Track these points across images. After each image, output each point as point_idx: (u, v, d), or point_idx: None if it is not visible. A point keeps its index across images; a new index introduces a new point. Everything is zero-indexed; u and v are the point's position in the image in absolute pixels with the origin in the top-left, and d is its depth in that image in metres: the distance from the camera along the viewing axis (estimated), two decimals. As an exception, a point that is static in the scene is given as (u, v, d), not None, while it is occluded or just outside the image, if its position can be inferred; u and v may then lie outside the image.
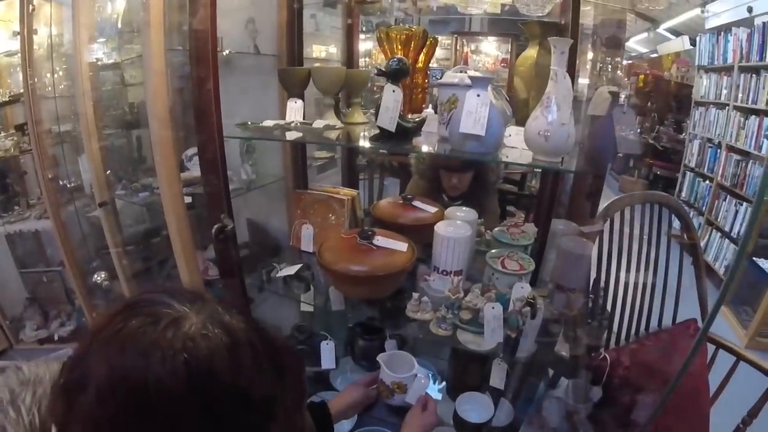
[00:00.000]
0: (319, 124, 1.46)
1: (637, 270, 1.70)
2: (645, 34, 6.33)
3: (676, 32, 6.87)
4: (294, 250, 1.85)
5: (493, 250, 1.54)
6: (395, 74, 1.22)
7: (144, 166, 2.48)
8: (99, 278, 2.48)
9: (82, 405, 0.49)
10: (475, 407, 1.54)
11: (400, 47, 1.44)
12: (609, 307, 1.71)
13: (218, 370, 0.51)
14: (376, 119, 1.25)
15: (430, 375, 1.79)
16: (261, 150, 1.87)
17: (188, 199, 1.64)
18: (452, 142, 1.19)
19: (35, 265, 2.94)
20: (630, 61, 6.51)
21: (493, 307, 1.33)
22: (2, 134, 2.90)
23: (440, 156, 1.85)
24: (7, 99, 2.92)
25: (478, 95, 1.12)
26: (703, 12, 5.68)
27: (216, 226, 1.38)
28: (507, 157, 1.25)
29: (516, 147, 1.28)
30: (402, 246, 1.47)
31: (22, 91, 2.58)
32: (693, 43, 6.19)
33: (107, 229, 2.21)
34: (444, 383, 1.81)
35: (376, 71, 1.24)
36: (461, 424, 1.50)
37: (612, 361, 1.51)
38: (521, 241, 1.61)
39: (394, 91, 1.21)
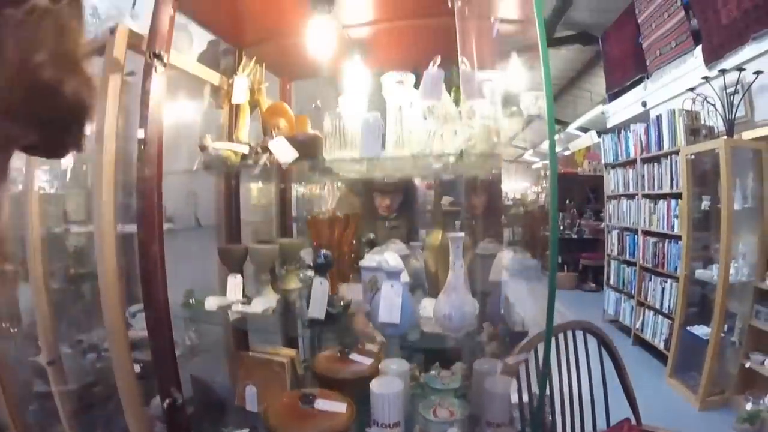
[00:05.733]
0: (257, 305, 1.60)
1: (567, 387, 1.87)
2: (556, 136, 7.04)
3: (584, 129, 7.70)
4: (240, 410, 1.92)
5: (427, 399, 1.69)
6: (321, 268, 1.41)
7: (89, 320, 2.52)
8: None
9: None
10: None
11: (326, 228, 1.66)
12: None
13: None
14: (308, 306, 1.43)
15: None
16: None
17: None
18: (374, 324, 1.37)
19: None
20: (545, 162, 7.21)
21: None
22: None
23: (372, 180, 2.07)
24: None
25: (392, 285, 1.32)
26: (603, 114, 6.39)
27: (167, 401, 1.47)
28: (424, 330, 1.43)
29: (431, 317, 1.47)
30: (341, 407, 1.59)
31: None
32: (600, 134, 6.93)
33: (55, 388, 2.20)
34: None
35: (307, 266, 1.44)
36: None
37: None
38: (451, 384, 1.77)
39: (321, 283, 1.39)
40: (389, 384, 1.62)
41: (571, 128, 7.00)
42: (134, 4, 2.96)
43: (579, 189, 6.66)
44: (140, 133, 1.64)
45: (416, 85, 1.42)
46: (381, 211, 2.23)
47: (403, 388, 1.65)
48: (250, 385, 1.88)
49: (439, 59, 1.26)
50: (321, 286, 1.40)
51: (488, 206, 1.73)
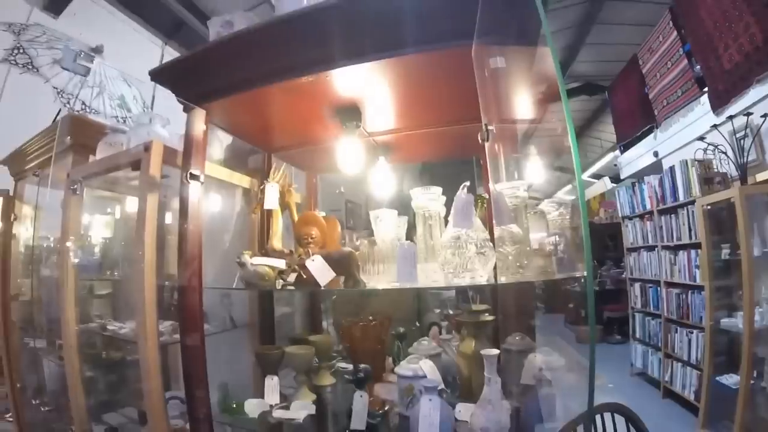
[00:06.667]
0: (298, 411, 1.64)
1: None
2: (569, 186, 7.12)
3: (597, 176, 7.75)
4: None
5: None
6: (360, 382, 1.47)
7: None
8: None
9: None
10: None
11: (359, 333, 1.73)
12: None
13: None
14: (349, 417, 1.47)
15: None
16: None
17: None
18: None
19: None
20: (560, 210, 7.24)
21: None
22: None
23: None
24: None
25: (430, 400, 1.37)
26: (615, 165, 6.42)
27: None
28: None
29: (466, 421, 1.49)
30: None
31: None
32: (614, 180, 6.92)
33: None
34: None
35: (344, 377, 1.50)
36: None
37: None
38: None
39: (361, 396, 1.45)
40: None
41: (584, 176, 7.07)
42: (152, 104, 3.11)
43: (597, 238, 6.60)
44: (179, 234, 1.71)
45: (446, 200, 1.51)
46: None
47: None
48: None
49: (468, 184, 1.33)
50: (361, 399, 1.45)
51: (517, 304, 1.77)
